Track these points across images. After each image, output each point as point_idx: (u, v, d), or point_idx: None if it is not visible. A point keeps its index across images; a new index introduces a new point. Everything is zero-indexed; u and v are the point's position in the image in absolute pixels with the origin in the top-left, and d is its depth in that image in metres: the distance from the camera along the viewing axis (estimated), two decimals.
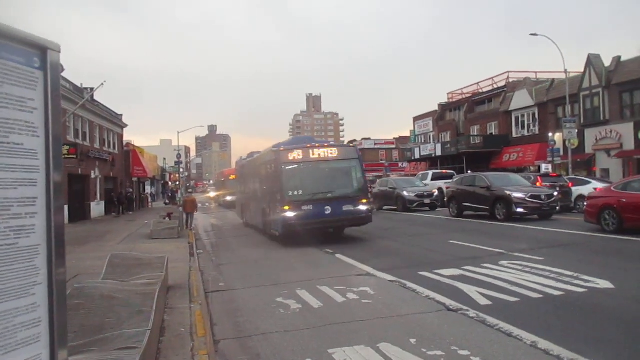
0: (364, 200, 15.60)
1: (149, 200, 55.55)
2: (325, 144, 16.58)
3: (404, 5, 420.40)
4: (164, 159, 74.11)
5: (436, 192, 28.74)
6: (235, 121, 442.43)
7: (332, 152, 15.82)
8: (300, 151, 15.57)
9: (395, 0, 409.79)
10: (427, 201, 27.96)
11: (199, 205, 31.94)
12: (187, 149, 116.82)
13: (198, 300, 8.62)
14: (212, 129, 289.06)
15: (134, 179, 48.70)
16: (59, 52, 2.46)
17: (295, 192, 15.14)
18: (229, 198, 41.17)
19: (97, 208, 35.52)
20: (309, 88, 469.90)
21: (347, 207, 15.19)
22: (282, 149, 15.91)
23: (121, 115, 45.48)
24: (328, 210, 14.98)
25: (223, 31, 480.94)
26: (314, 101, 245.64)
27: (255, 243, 17.52)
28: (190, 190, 57.83)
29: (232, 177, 40.07)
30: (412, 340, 6.03)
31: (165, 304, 8.01)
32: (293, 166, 15.59)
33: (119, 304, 6.37)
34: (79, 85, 35.38)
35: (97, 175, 35.70)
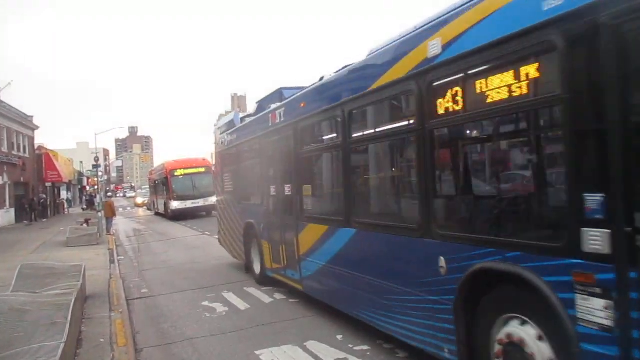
0: None
1: (65, 206, 52.59)
2: None
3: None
4: (81, 162, 70.38)
5: None
6: (157, 122, 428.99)
7: None
8: None
9: None
10: None
11: (119, 210, 30.40)
12: (106, 152, 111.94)
13: (119, 308, 8.25)
14: (133, 130, 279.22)
15: (48, 184, 45.95)
16: None
17: None
18: (176, 205, 30.08)
19: (6, 216, 33.19)
20: (234, 88, 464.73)
21: None
22: None
23: (32, 116, 42.76)
24: None
25: (142, 31, 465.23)
26: (239, 101, 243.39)
27: None
28: (110, 194, 55.30)
29: (197, 170, 31.30)
30: (339, 337, 6.10)
31: (82, 314, 7.61)
32: None
33: (30, 317, 5.99)
34: None
35: (5, 181, 33.35)
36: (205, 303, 8.45)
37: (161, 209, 34.67)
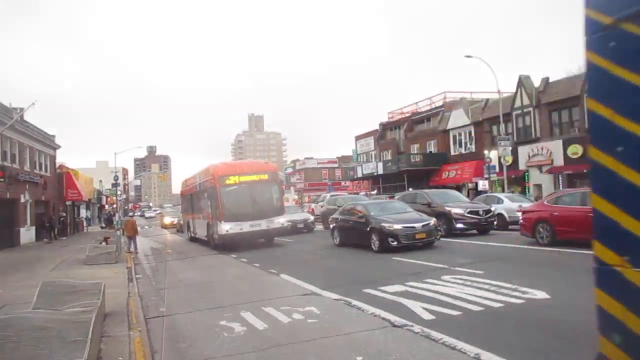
0: None
1: (84, 224, 53.21)
2: None
3: (344, 26, 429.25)
4: (100, 181, 71.38)
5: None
6: (175, 141, 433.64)
7: None
8: None
9: (334, 22, 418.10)
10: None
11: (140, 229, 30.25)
12: (125, 171, 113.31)
13: (137, 327, 8.26)
14: (152, 149, 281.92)
15: (68, 203, 46.59)
16: None
17: None
18: (227, 229, 20.24)
19: (27, 234, 33.64)
20: (251, 107, 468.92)
21: None
22: None
23: (53, 136, 43.58)
24: None
25: (162, 51, 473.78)
26: (256, 121, 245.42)
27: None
28: (130, 213, 55.59)
29: (258, 177, 21.63)
30: (359, 358, 6.00)
31: (101, 332, 7.63)
32: None
33: (52, 334, 6.00)
34: (8, 105, 33.67)
35: (27, 199, 33.87)
36: (223, 322, 8.40)
37: (201, 233, 25.19)
